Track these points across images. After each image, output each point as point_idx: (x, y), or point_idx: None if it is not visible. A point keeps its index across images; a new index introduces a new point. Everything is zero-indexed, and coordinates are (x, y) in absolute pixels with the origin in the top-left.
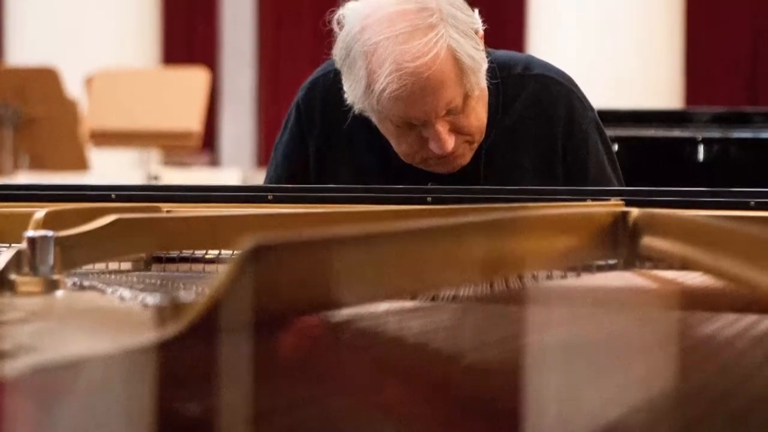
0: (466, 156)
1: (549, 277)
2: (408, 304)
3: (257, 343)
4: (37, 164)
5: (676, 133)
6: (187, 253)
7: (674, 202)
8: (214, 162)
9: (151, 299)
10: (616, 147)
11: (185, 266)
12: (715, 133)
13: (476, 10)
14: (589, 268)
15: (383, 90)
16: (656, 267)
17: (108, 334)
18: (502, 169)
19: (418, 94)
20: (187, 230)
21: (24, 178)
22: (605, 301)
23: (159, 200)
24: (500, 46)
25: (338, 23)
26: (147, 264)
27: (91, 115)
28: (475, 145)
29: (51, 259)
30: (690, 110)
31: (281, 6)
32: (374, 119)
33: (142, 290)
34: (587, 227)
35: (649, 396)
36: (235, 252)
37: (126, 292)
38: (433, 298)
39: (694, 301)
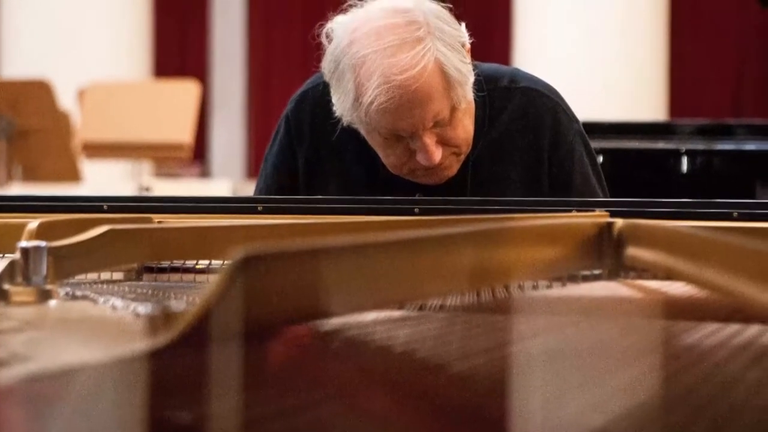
0: (453, 167)
1: (535, 287)
2: (396, 313)
3: (247, 351)
4: (30, 175)
5: (661, 144)
6: (178, 263)
7: (658, 213)
8: (205, 173)
9: (143, 309)
10: (601, 158)
11: (176, 276)
12: (699, 145)
13: (463, 24)
14: (574, 278)
15: (371, 102)
16: (640, 277)
17: (100, 343)
18: (488, 181)
19: (406, 107)
20: (178, 241)
21: (17, 189)
22: (590, 311)
23: (150, 211)
24: (487, 60)
25: (327, 37)
26: (138, 274)
27: (84, 127)
28: (462, 157)
29: (44, 269)
30: (674, 122)
31: (271, 20)
32: (362, 131)
33: (133, 300)
34: (572, 238)
35: (633, 403)
36: (226, 262)
37: (118, 302)
38: (420, 308)
39: (677, 310)
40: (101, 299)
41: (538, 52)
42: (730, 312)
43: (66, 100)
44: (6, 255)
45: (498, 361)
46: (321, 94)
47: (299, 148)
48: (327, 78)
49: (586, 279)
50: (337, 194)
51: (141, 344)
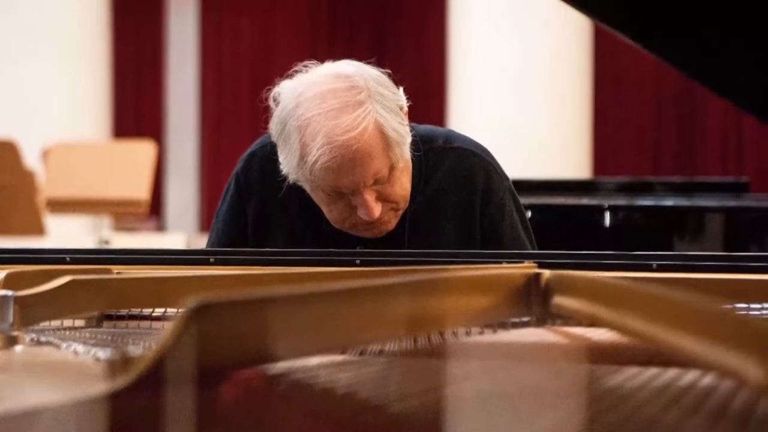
0: (392, 222)
1: (468, 333)
2: (338, 357)
3: (200, 393)
4: None
5: (585, 200)
6: (135, 311)
7: (583, 265)
8: (161, 227)
9: (103, 353)
10: (529, 213)
11: (134, 323)
12: (621, 201)
13: (401, 88)
14: (504, 325)
15: (316, 161)
16: (566, 324)
17: (63, 386)
18: (424, 234)
19: (348, 165)
20: (136, 290)
21: None
22: (520, 355)
23: (110, 263)
24: (423, 122)
25: (274, 100)
26: (99, 321)
27: (48, 184)
28: (400, 212)
29: (11, 317)
30: (597, 180)
31: (222, 84)
32: (307, 188)
33: (94, 345)
34: (503, 287)
35: None
36: (180, 310)
37: (80, 347)
38: (361, 353)
39: (600, 355)
40: (64, 345)
41: (470, 115)
42: (649, 356)
43: (31, 159)
44: None
45: (433, 402)
46: (269, 153)
47: (248, 204)
48: (274, 138)
49: (515, 326)
50: (283, 247)
51: (101, 387)
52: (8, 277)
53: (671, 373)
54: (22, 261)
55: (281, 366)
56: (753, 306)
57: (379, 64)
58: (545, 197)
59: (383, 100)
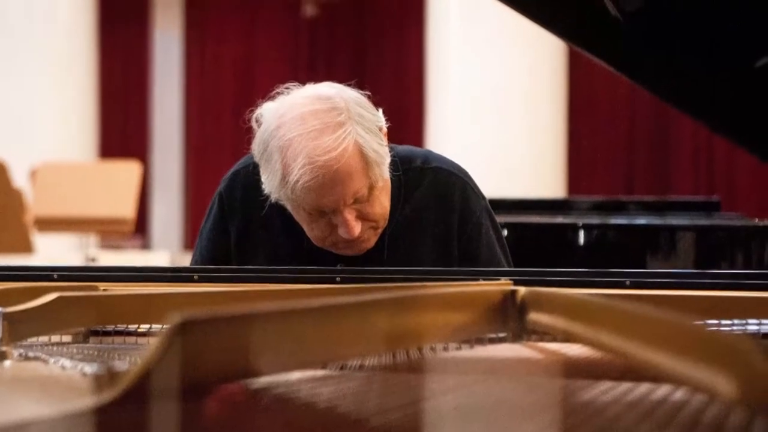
0: (371, 240)
1: (446, 349)
2: (319, 372)
3: (184, 407)
4: None
5: (560, 219)
6: (121, 326)
7: (558, 282)
8: (146, 245)
9: (89, 368)
10: (505, 232)
11: (120, 339)
12: (595, 220)
13: (380, 110)
14: (481, 340)
15: (297, 181)
16: (541, 339)
17: (51, 400)
18: (403, 252)
19: (328, 185)
20: (121, 307)
21: None
22: (496, 370)
23: (96, 280)
24: (402, 142)
25: (257, 121)
26: (85, 337)
27: (36, 203)
28: (380, 231)
29: None
30: (572, 199)
31: (206, 106)
32: (289, 207)
33: (81, 360)
34: (480, 304)
35: None
36: (164, 326)
37: (67, 362)
38: (341, 367)
39: (575, 369)
40: (52, 360)
41: (448, 135)
42: (623, 371)
43: (19, 178)
44: None
45: (412, 416)
46: (251, 173)
47: (231, 222)
48: (257, 159)
49: (492, 341)
50: (266, 265)
51: (88, 400)
52: None
53: (644, 387)
54: (10, 278)
55: (264, 380)
56: (724, 322)
57: (358, 86)
58: (521, 216)
59: (363, 121)
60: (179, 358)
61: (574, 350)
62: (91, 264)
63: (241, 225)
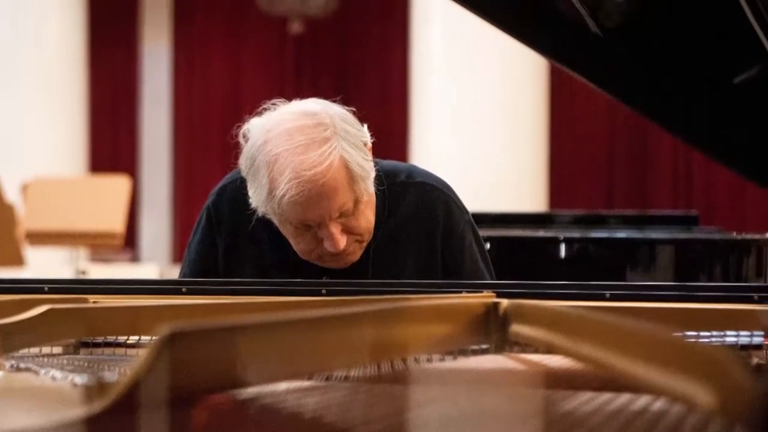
0: (357, 253)
1: (429, 360)
2: (305, 383)
3: (173, 417)
4: None
5: (541, 233)
6: (111, 338)
7: (540, 294)
8: (135, 258)
9: (80, 379)
10: (488, 245)
11: (109, 350)
12: (576, 233)
13: (365, 125)
14: (465, 352)
15: (283, 195)
16: (523, 351)
17: (42, 410)
18: (388, 265)
19: (314, 199)
20: (111, 319)
21: None
22: (479, 381)
23: (86, 292)
24: (386, 157)
25: (244, 136)
26: (76, 348)
27: (27, 218)
28: (365, 244)
29: None
30: (553, 213)
31: (194, 121)
32: (276, 221)
33: (71, 371)
34: (463, 316)
35: None
36: (153, 338)
37: (57, 373)
38: (327, 378)
39: (556, 380)
40: (42, 371)
41: (431, 150)
42: (603, 382)
43: (11, 193)
44: None
45: (397, 426)
46: (238, 187)
47: (219, 236)
48: (244, 173)
49: (475, 353)
50: (252, 277)
51: (78, 411)
52: None
53: (624, 397)
54: (2, 291)
55: (251, 391)
56: (703, 334)
57: (343, 102)
58: (503, 229)
59: (348, 136)
60: (168, 369)
61: (556, 361)
62: (81, 277)
63: (229, 238)
